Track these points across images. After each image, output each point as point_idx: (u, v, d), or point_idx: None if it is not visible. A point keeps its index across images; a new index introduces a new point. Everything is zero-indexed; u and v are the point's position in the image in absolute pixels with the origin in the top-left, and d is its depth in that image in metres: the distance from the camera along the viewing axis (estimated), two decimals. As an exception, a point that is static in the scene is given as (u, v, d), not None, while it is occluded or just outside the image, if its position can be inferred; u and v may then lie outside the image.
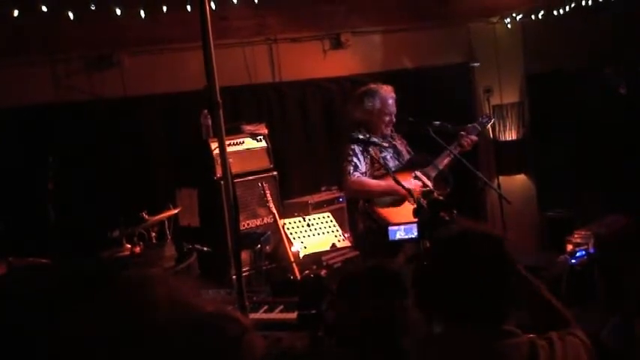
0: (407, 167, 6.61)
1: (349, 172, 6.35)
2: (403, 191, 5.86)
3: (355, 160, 6.35)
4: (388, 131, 6.70)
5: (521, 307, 2.85)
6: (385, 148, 6.61)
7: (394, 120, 6.68)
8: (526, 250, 8.51)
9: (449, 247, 2.76)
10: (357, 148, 6.38)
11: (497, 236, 2.73)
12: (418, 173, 6.54)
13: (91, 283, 1.48)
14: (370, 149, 6.39)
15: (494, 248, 2.66)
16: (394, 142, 6.77)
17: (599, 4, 8.50)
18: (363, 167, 6.36)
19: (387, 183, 6.18)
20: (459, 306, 2.62)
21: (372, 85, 6.81)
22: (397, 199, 6.25)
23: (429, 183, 6.48)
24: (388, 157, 6.61)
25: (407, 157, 6.75)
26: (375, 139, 6.42)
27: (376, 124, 6.62)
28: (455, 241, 2.76)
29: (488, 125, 7.62)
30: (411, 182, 6.37)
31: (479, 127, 7.07)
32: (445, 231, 2.88)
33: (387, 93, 6.70)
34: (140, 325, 1.37)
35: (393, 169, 6.50)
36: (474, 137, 6.87)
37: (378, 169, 6.37)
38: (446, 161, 6.68)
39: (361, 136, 6.39)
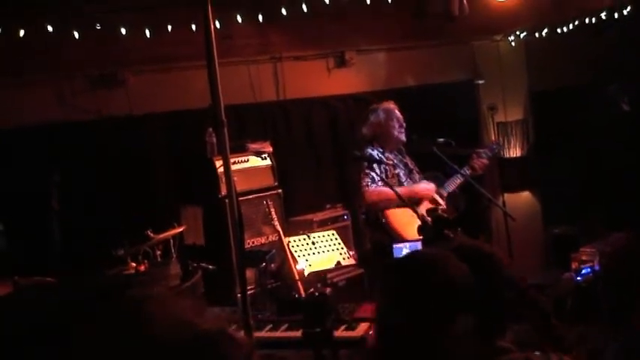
0: None
1: (367, 184, 6.41)
2: (421, 194, 5.95)
3: (372, 173, 6.40)
4: (403, 137, 6.74)
5: (522, 322, 2.84)
6: (397, 165, 6.67)
7: (404, 125, 6.73)
8: (531, 268, 8.50)
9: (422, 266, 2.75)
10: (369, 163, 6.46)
11: (488, 251, 2.73)
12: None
13: (93, 301, 1.49)
14: (382, 166, 6.47)
15: (485, 263, 2.65)
16: (405, 160, 6.82)
17: (603, 21, 8.52)
18: (379, 180, 6.41)
19: (405, 189, 6.21)
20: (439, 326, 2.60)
21: (374, 105, 6.90)
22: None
23: (442, 202, 6.52)
24: (401, 174, 6.67)
25: (417, 176, 6.79)
26: (381, 157, 6.49)
27: (387, 134, 6.71)
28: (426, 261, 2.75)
29: (498, 152, 7.75)
30: (425, 185, 6.46)
31: (489, 153, 7.13)
32: (438, 247, 2.87)
33: (389, 105, 6.84)
34: (138, 341, 1.38)
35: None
36: (485, 160, 6.93)
37: (392, 183, 6.40)
38: (457, 183, 6.73)
39: (372, 153, 6.48)
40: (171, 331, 1.40)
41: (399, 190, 6.07)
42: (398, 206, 6.37)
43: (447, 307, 2.58)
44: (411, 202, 6.01)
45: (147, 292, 1.48)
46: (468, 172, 6.77)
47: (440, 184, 6.72)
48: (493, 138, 9.36)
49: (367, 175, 6.44)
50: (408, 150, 6.90)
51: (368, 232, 6.73)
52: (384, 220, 6.42)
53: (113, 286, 1.53)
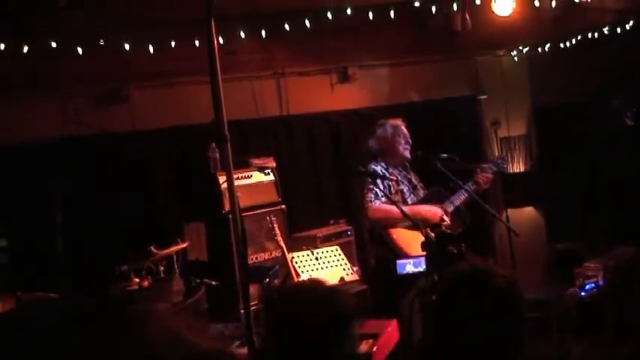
0: (424, 201, 6.65)
1: (371, 200, 6.41)
2: (426, 216, 5.95)
3: (376, 189, 6.40)
4: (408, 154, 6.74)
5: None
6: (401, 181, 6.66)
7: (410, 142, 6.73)
8: (535, 283, 8.48)
9: (465, 284, 2.73)
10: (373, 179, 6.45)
11: (512, 277, 2.72)
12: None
13: (94, 317, 1.49)
14: (386, 182, 6.46)
15: (510, 289, 2.65)
16: (409, 176, 6.82)
17: (605, 36, 8.52)
18: (382, 196, 6.39)
19: (409, 208, 6.19)
20: (467, 345, 2.60)
21: (382, 120, 6.93)
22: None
23: (446, 218, 6.50)
24: (405, 190, 6.66)
25: (421, 191, 6.79)
26: (384, 173, 6.49)
27: (393, 149, 6.71)
28: (470, 278, 2.74)
29: (503, 167, 7.70)
30: (432, 208, 6.43)
31: (494, 167, 7.11)
32: (459, 267, 2.85)
33: (397, 121, 6.85)
34: (138, 359, 1.38)
35: (410, 202, 6.55)
36: (489, 175, 6.91)
37: (396, 199, 6.40)
38: (462, 198, 6.71)
39: (375, 168, 6.48)
40: (171, 349, 1.39)
41: (404, 208, 6.04)
42: (403, 226, 6.37)
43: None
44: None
45: (148, 308, 1.48)
46: (472, 187, 6.75)
47: (444, 200, 6.70)
48: (496, 153, 9.34)
49: (371, 190, 6.43)
50: (412, 166, 6.89)
51: (372, 249, 6.71)
52: (387, 237, 6.40)
53: (115, 302, 1.53)
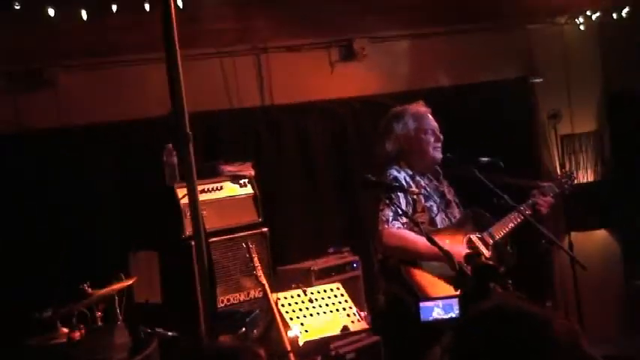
0: (458, 227, 6.42)
1: (387, 220, 6.02)
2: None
3: (394, 205, 6.07)
4: (439, 154, 6.45)
5: None
6: (430, 194, 6.44)
7: (442, 137, 6.47)
8: (608, 334, 8.50)
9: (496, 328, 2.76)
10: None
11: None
12: (473, 238, 6.36)
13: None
14: (408, 196, 6.26)
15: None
16: (442, 188, 6.57)
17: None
18: (402, 215, 6.10)
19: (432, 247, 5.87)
20: None
21: (396, 108, 6.65)
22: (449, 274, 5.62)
23: (485, 252, 6.26)
24: (434, 207, 6.41)
25: (456, 210, 6.59)
26: (409, 183, 6.31)
27: (419, 150, 6.36)
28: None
29: (568, 187, 7.43)
30: (463, 248, 6.17)
31: (557, 189, 6.91)
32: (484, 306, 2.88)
33: (419, 107, 6.54)
34: None
35: (439, 226, 6.35)
36: (549, 198, 6.71)
37: (422, 220, 6.15)
38: (511, 226, 6.46)
39: (398, 175, 6.29)
40: None
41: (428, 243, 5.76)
42: (429, 268, 6.16)
43: None
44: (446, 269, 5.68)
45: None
46: (528, 213, 6.51)
47: (484, 228, 6.51)
48: (556, 156, 9.37)
49: (388, 206, 6.12)
50: (444, 174, 6.66)
51: (382, 283, 6.56)
52: (405, 273, 6.19)
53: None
